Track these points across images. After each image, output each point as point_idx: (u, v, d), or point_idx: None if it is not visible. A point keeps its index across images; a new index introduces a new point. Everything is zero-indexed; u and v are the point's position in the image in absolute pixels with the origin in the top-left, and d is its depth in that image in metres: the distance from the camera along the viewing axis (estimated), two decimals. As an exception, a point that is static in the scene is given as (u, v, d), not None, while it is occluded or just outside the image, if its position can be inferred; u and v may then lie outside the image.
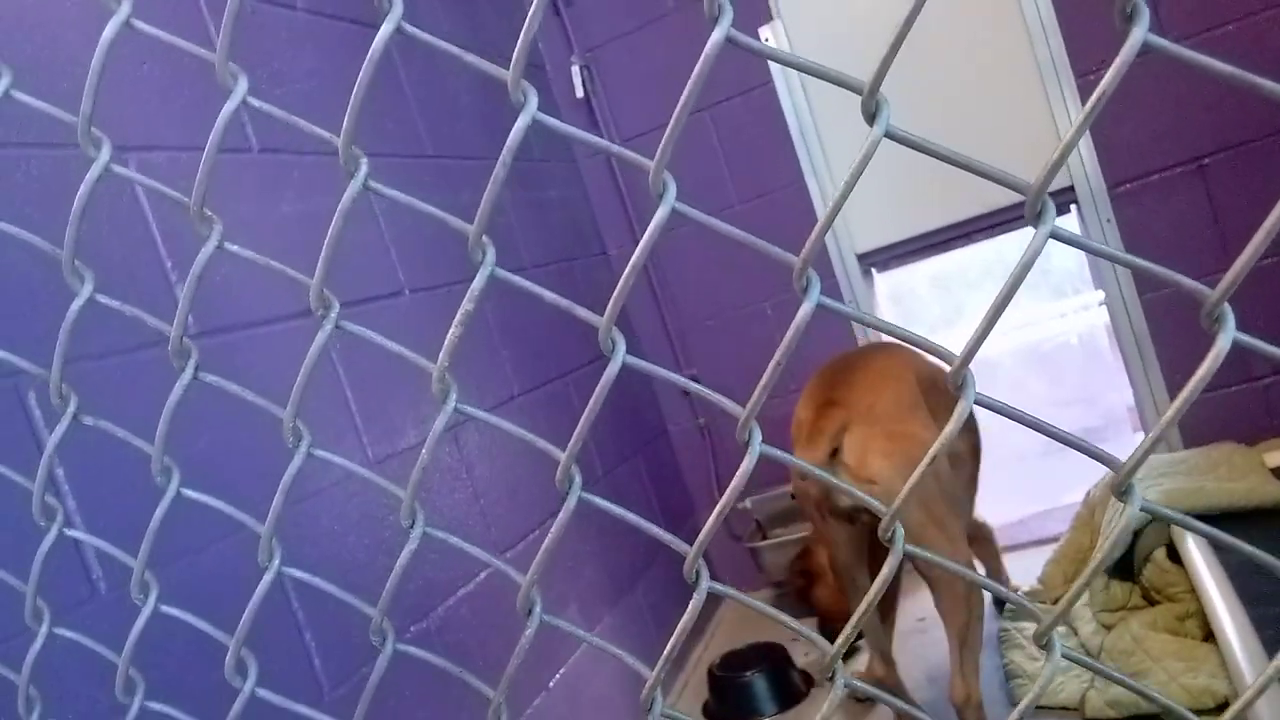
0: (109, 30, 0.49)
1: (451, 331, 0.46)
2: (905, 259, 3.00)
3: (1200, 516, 2.28)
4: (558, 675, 2.16)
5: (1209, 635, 1.93)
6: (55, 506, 0.61)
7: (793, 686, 2.43)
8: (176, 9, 1.68)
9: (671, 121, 0.42)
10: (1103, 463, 0.41)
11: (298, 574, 0.55)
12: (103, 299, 0.55)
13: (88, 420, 0.58)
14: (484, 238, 0.46)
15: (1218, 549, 2.10)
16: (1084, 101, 2.69)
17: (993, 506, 3.15)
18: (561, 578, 2.31)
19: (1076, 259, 3.17)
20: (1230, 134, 2.57)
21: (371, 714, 0.60)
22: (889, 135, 0.40)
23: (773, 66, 2.87)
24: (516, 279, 0.47)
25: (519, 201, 2.67)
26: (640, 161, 0.44)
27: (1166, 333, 2.71)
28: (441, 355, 0.47)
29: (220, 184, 1.65)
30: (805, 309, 0.40)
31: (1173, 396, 2.75)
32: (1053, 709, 2.05)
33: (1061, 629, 2.36)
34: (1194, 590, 2.05)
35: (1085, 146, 2.70)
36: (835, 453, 1.83)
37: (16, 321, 1.19)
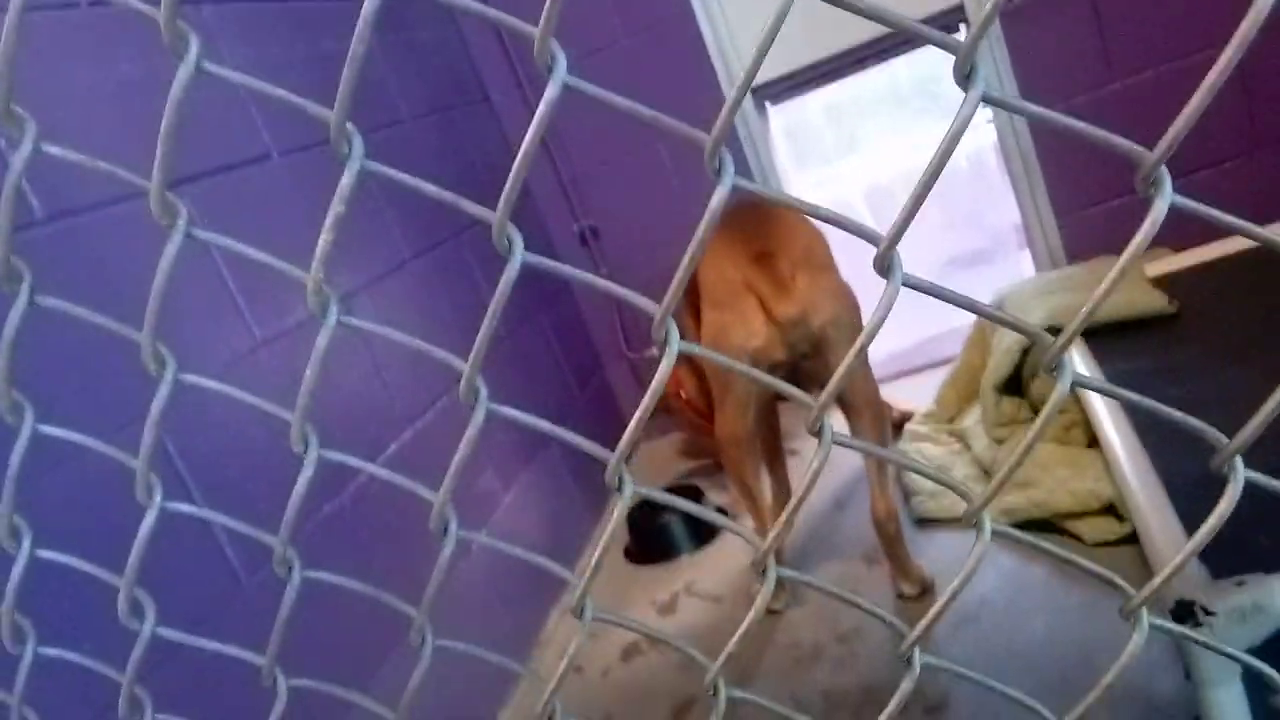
0: None
1: (323, 238, 0.41)
2: (799, 89, 2.93)
3: (1086, 330, 2.40)
4: (481, 532, 2.18)
5: (1094, 442, 2.06)
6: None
7: (708, 525, 2.53)
8: None
9: (556, -19, 0.36)
10: (1033, 339, 0.39)
11: (184, 508, 0.50)
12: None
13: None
14: (349, 126, 0.40)
15: (1101, 362, 2.22)
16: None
17: (888, 332, 3.24)
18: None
19: (966, 80, 3.15)
20: (1116, -56, 2.54)
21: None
22: (805, -10, 0.35)
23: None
24: (392, 172, 0.41)
25: (389, 46, 2.47)
26: (525, 30, 0.38)
27: (1052, 152, 2.75)
28: (315, 265, 0.42)
29: (47, 45, 1.46)
30: (720, 194, 0.37)
31: (1058, 215, 2.84)
32: (950, 520, 2.19)
33: (956, 447, 2.49)
34: (1079, 400, 2.18)
35: (975, -39, 2.63)
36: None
37: None
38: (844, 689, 1.79)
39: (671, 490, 2.64)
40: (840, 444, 0.42)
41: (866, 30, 2.75)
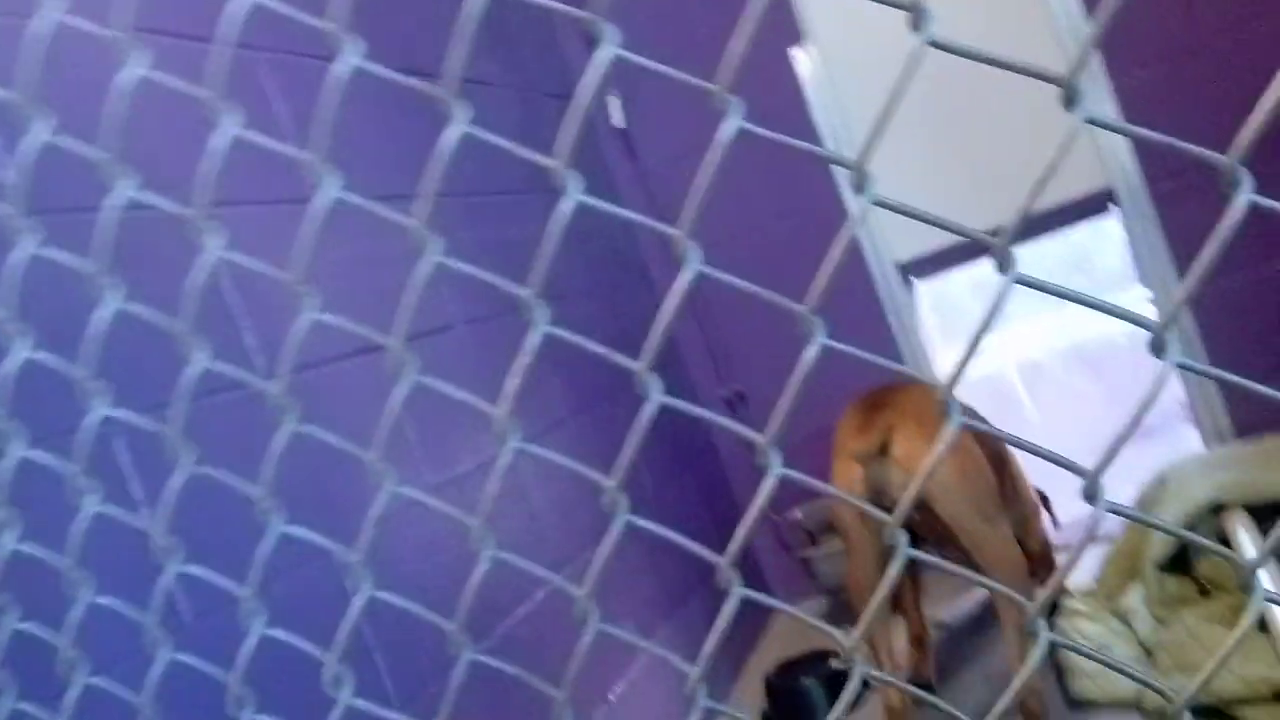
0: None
1: (510, 382, 0.54)
2: (946, 265, 3.02)
3: (1253, 509, 2.28)
4: (618, 687, 2.23)
5: (1264, 625, 1.93)
6: (174, 547, 0.71)
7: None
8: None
9: (691, 196, 0.49)
10: (1073, 471, 0.47)
11: (389, 598, 0.63)
12: (218, 366, 0.64)
13: (204, 469, 0.67)
14: (537, 299, 0.54)
15: (1267, 537, 2.10)
16: (1119, 100, 2.70)
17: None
18: (617, 593, 2.38)
19: (1120, 257, 3.17)
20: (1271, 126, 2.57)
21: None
22: (876, 203, 0.47)
23: (804, 84, 2.95)
24: (567, 335, 0.55)
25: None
26: (666, 231, 0.52)
27: (1215, 327, 2.71)
28: (501, 403, 0.55)
29: (279, 228, 1.77)
30: (809, 353, 0.48)
31: (1223, 389, 2.75)
32: (1110, 705, 2.07)
33: (1116, 626, 2.36)
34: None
35: (1124, 145, 2.70)
36: (884, 450, 1.89)
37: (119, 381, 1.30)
38: None
39: (812, 655, 2.61)
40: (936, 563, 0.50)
41: (1012, 209, 2.85)
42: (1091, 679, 2.15)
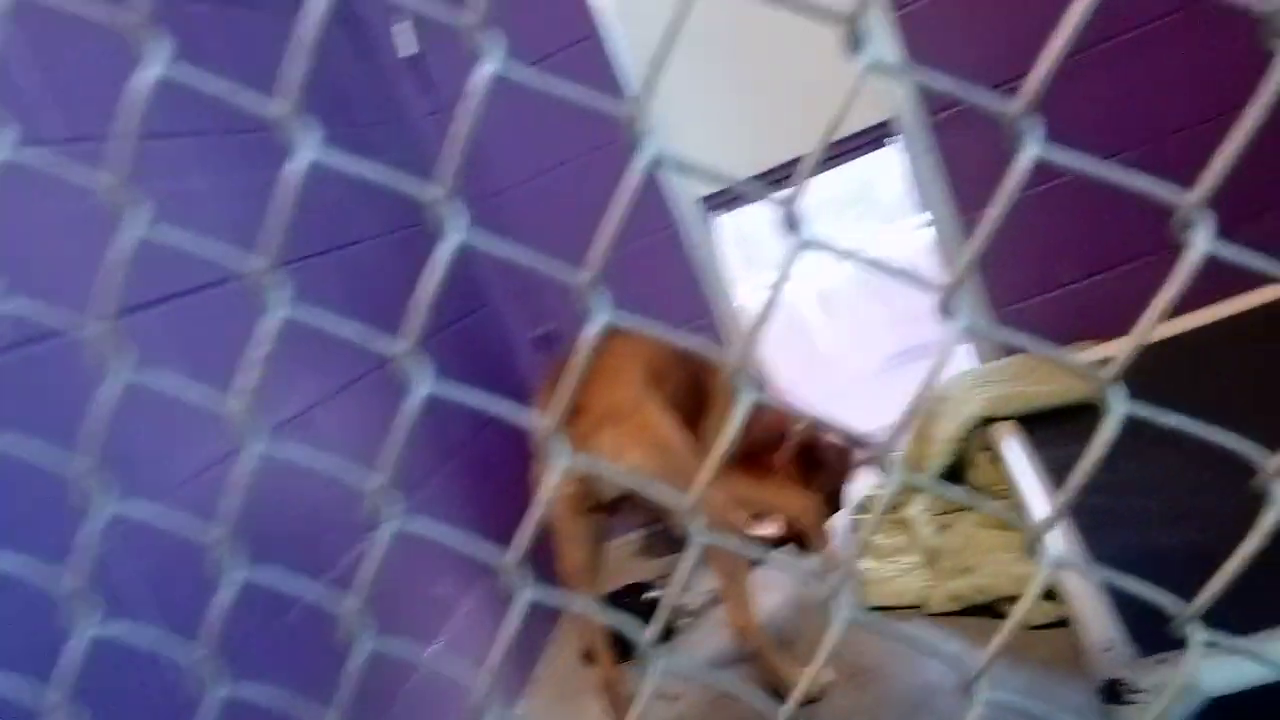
0: None
1: (242, 377, 0.46)
2: (746, 200, 3.06)
3: (1022, 419, 2.48)
4: (437, 642, 2.18)
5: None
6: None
7: (667, 622, 2.53)
8: None
9: (448, 149, 0.43)
10: (857, 446, 0.45)
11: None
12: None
13: None
14: (273, 276, 0.46)
15: (1037, 448, 2.30)
16: (901, 28, 2.79)
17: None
18: (431, 552, 2.30)
19: (900, 187, 3.32)
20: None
21: None
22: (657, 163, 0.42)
23: (599, 19, 2.86)
24: (308, 317, 0.47)
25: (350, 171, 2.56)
26: (422, 195, 0.45)
27: (987, 250, 2.88)
28: (236, 398, 0.47)
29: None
30: (590, 331, 0.43)
31: (995, 308, 2.96)
32: (898, 609, 2.22)
33: (901, 538, 2.53)
34: (1014, 486, 2.24)
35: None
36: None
37: None
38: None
39: (621, 590, 2.65)
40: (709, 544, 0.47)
41: (807, 143, 2.91)
42: (878, 585, 2.29)
